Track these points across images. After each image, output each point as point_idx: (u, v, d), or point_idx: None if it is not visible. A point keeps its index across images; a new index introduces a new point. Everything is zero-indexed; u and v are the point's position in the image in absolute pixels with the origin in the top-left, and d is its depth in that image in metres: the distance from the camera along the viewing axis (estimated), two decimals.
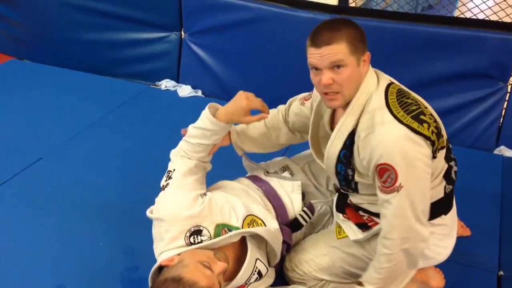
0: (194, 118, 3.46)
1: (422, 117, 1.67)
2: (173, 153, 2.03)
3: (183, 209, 1.82)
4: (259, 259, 1.89)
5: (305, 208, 2.13)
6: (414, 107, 1.69)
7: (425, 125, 1.65)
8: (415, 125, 1.64)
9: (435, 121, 1.73)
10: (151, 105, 3.66)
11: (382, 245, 1.77)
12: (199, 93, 3.82)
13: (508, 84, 3.18)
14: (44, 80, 3.96)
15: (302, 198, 2.17)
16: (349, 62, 1.67)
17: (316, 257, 2.03)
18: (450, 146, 1.88)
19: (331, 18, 1.77)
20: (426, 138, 1.65)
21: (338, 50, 1.65)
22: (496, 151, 3.24)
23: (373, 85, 1.74)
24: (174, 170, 1.94)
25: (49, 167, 2.89)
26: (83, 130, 3.28)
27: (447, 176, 1.84)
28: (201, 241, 1.80)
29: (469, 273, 2.25)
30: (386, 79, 1.79)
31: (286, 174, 2.27)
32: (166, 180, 1.92)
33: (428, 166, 1.69)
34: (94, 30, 3.97)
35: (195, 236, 1.80)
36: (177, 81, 3.91)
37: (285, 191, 2.15)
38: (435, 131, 1.68)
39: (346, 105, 1.76)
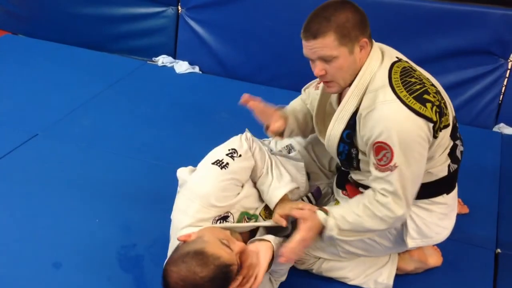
0: (191, 94, 3.47)
1: (425, 96, 1.65)
2: (245, 140, 1.96)
3: (224, 200, 1.80)
4: None
5: (309, 194, 2.12)
6: (418, 86, 1.66)
7: (428, 105, 1.64)
8: (417, 106, 1.62)
9: (440, 99, 1.70)
10: (147, 81, 3.63)
11: (368, 198, 1.76)
12: (197, 69, 3.79)
13: (509, 61, 3.15)
14: (39, 55, 3.91)
15: (308, 178, 2.17)
16: (339, 53, 1.66)
17: None
18: (457, 124, 1.87)
19: (327, 1, 1.71)
20: (428, 119, 1.63)
21: (325, 44, 1.64)
22: (495, 129, 3.22)
23: (376, 64, 1.72)
24: (240, 156, 1.88)
25: (45, 144, 2.87)
26: (79, 106, 3.25)
27: (452, 154, 1.83)
28: None
29: (467, 251, 2.25)
30: (391, 57, 1.76)
31: (291, 154, 2.25)
32: (228, 155, 1.86)
33: (425, 150, 1.68)
34: (90, 4, 3.92)
35: (222, 221, 1.81)
36: (174, 57, 3.87)
37: (289, 171, 2.14)
38: (438, 110, 1.66)
39: (350, 85, 1.74)
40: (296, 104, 2.17)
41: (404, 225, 1.87)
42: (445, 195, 1.89)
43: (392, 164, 1.65)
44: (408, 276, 2.11)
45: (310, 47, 1.67)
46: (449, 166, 1.84)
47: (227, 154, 1.87)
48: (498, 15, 3.03)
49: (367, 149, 1.72)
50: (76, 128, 3.03)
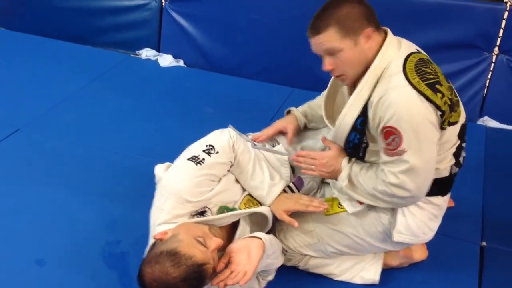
0: (176, 88, 3.44)
1: (438, 86, 1.66)
2: (227, 137, 1.91)
3: (199, 195, 1.79)
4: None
5: (291, 184, 2.11)
6: (432, 76, 1.67)
7: (439, 94, 1.64)
8: (428, 92, 1.63)
9: (452, 95, 1.72)
10: (131, 75, 3.59)
11: (376, 175, 1.78)
12: (181, 62, 3.76)
13: (493, 54, 3.16)
14: (21, 49, 3.85)
15: (292, 172, 2.15)
16: (343, 46, 1.69)
17: (303, 233, 2.00)
18: (466, 126, 1.86)
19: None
20: (437, 107, 1.64)
21: (327, 38, 1.68)
22: (479, 122, 3.23)
23: (392, 52, 1.73)
24: (217, 152, 1.85)
25: (27, 139, 2.82)
26: (62, 100, 3.21)
27: (457, 155, 1.84)
28: None
29: (452, 244, 2.26)
30: (410, 47, 1.78)
31: (275, 147, 2.23)
32: (204, 151, 1.83)
33: (435, 135, 1.68)
34: None
35: (199, 215, 1.80)
36: (158, 50, 3.83)
37: (273, 165, 2.13)
38: (449, 103, 1.67)
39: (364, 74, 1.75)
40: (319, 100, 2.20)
41: (393, 217, 1.87)
42: (440, 196, 1.89)
43: (400, 149, 1.65)
44: (394, 270, 2.12)
45: (315, 43, 1.72)
46: (451, 167, 1.84)
47: (204, 151, 1.84)
48: (483, 8, 3.04)
49: (378, 134, 1.73)
50: (59, 123, 2.98)
